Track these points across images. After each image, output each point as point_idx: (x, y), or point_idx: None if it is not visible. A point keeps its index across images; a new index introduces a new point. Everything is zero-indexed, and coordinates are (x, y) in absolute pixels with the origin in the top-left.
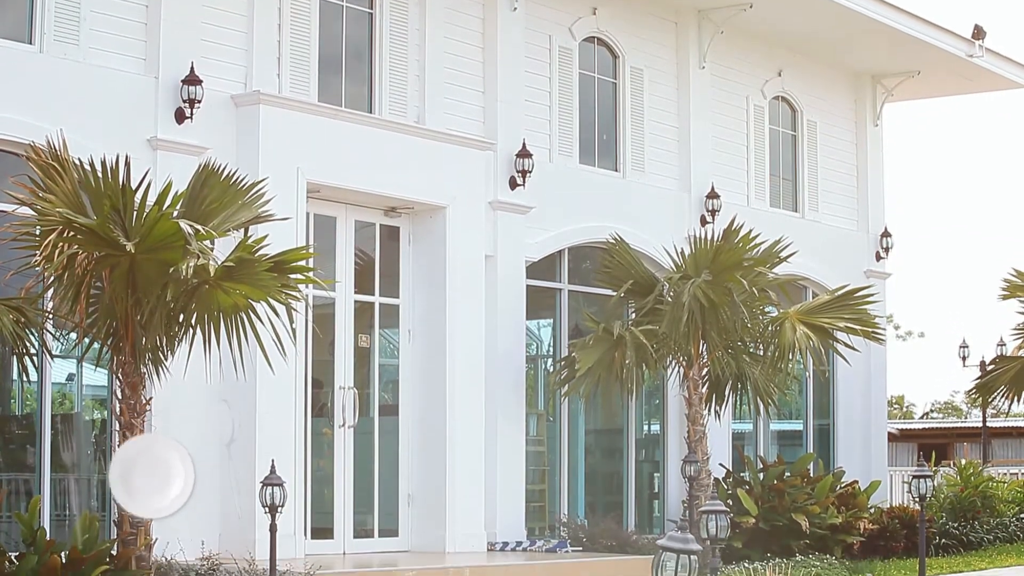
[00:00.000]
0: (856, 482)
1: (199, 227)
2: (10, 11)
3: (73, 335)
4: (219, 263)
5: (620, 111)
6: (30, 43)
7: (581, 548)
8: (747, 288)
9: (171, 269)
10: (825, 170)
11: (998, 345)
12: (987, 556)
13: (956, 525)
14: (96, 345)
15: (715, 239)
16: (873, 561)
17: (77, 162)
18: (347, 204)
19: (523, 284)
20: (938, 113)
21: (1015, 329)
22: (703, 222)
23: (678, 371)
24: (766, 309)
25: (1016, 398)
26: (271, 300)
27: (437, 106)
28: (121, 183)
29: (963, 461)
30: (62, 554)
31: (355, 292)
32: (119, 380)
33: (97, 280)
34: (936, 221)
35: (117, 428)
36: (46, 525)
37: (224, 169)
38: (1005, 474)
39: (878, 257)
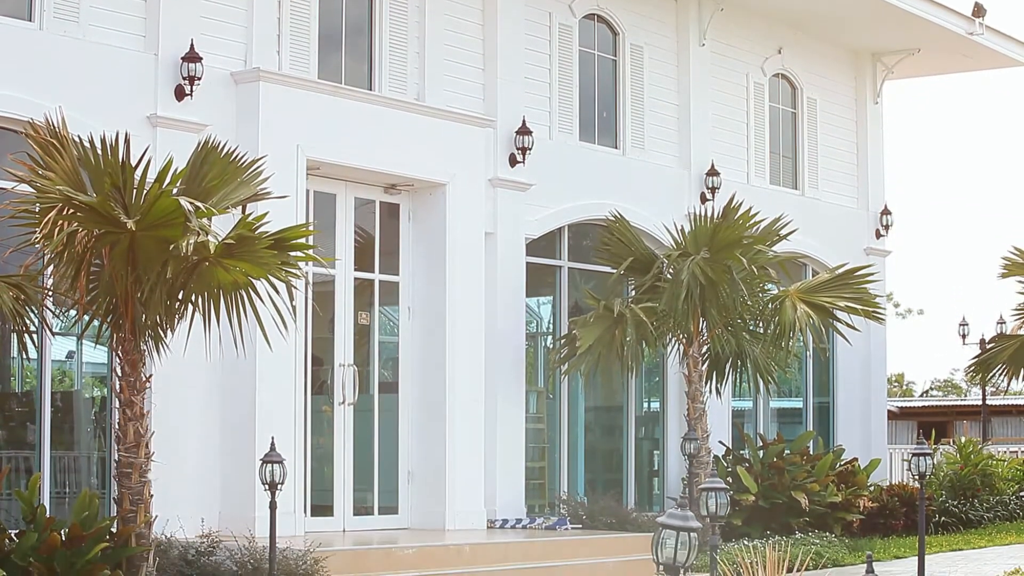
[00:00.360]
0: (856, 460)
1: (199, 204)
2: None
3: (73, 312)
4: (219, 240)
5: (620, 88)
6: (29, 20)
7: (581, 526)
8: (746, 266)
9: (171, 246)
10: (825, 148)
11: (998, 323)
12: (987, 534)
13: (956, 503)
14: (96, 322)
15: (715, 216)
16: (873, 539)
17: (77, 139)
18: (347, 181)
19: (523, 261)
20: (938, 91)
21: (1016, 309)
22: (703, 199)
23: (678, 349)
24: (766, 287)
25: (1015, 376)
26: (271, 277)
27: (437, 83)
28: (121, 160)
29: (963, 439)
30: (62, 531)
31: (355, 269)
32: (119, 357)
33: (97, 257)
34: (936, 199)
35: (117, 406)
36: (46, 503)
37: (224, 146)
38: (1005, 452)
39: (878, 235)
